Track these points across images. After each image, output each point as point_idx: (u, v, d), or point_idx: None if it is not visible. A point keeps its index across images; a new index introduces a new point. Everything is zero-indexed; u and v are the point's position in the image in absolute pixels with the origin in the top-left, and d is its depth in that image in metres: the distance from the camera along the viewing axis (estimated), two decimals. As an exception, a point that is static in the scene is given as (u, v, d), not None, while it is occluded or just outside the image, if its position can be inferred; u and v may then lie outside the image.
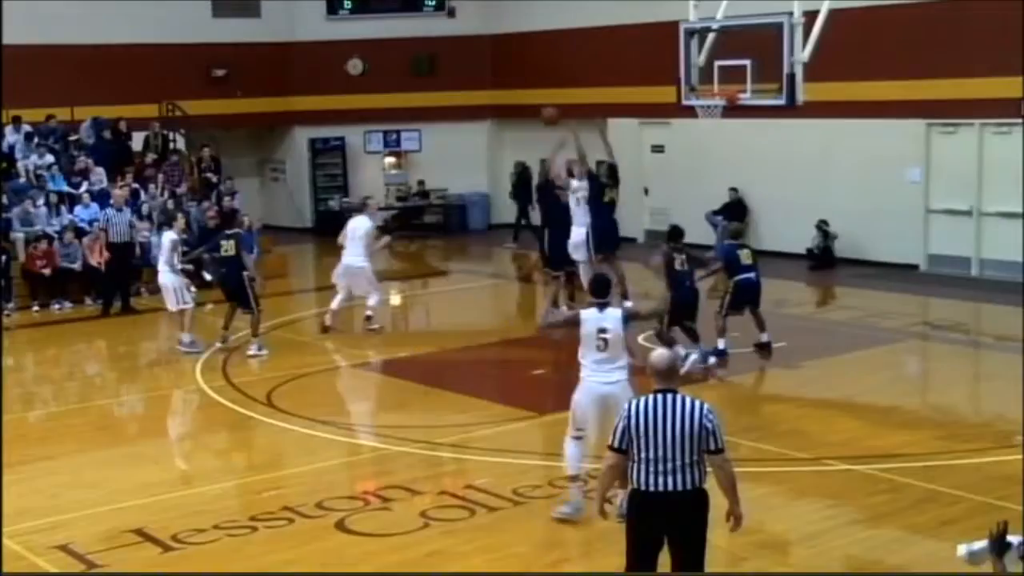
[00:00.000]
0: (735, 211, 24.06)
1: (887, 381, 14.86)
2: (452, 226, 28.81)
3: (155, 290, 21.23)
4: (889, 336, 16.60)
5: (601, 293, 9.76)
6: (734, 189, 23.98)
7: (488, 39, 28.87)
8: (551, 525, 9.81)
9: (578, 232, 17.17)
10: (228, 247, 16.12)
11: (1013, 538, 6.08)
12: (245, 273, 16.07)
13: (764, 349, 15.41)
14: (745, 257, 15.47)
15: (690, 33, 16.07)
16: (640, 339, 15.48)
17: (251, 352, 16.03)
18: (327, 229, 27.78)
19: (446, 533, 9.66)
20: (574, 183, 17.29)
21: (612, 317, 9.53)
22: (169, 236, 16.62)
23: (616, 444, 7.04)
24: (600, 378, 9.51)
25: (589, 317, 9.59)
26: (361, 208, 18.12)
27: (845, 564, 8.97)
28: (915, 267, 21.49)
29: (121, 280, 19.68)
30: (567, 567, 8.98)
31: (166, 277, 16.51)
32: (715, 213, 24.08)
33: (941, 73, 20.49)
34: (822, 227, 22.39)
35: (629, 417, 6.98)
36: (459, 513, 10.04)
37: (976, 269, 20.71)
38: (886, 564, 8.94)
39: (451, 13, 28.96)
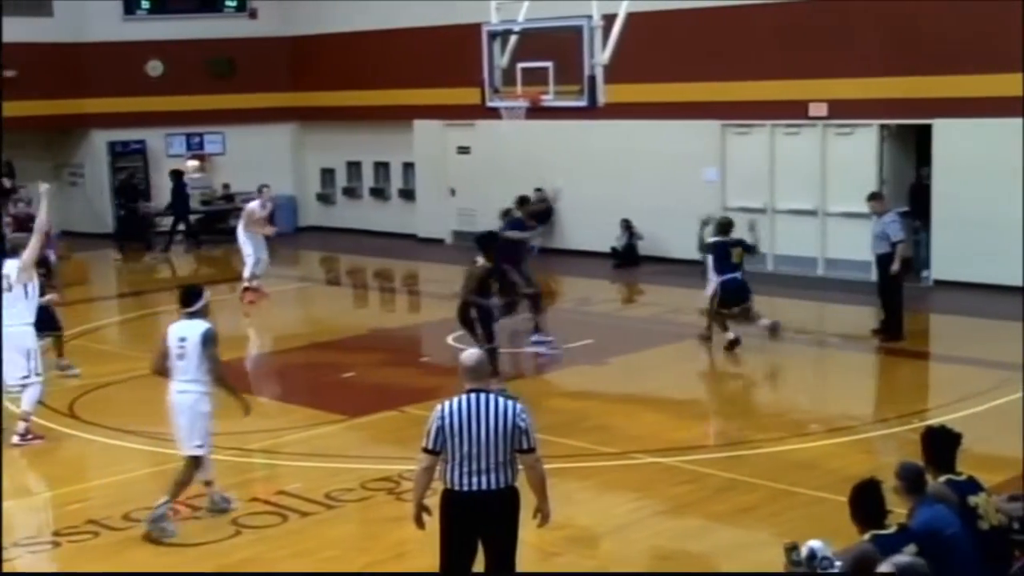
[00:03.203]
0: (541, 211, 24.44)
1: (689, 375, 15.32)
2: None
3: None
4: (691, 331, 17.07)
5: (187, 303, 9.90)
6: (539, 189, 24.31)
7: (289, 40, 28.61)
8: (364, 528, 9.85)
9: None
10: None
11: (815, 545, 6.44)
12: (49, 297, 14.30)
13: (774, 331, 15.71)
14: (736, 256, 15.64)
15: (492, 35, 16.25)
16: (449, 339, 15.65)
17: (68, 372, 15.06)
18: (129, 234, 27.23)
19: (258, 540, 9.59)
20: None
21: (193, 328, 9.74)
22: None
23: (429, 445, 7.09)
24: (175, 386, 9.81)
25: (171, 327, 9.91)
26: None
27: (650, 554, 9.24)
28: (713, 263, 22.12)
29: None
30: (381, 569, 9.00)
31: None
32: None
33: (734, 76, 21.21)
34: (627, 226, 22.90)
35: (442, 418, 7.04)
36: (271, 519, 9.97)
37: (771, 264, 21.46)
38: (689, 552, 9.24)
39: (253, 14, 28.60)
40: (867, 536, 6.47)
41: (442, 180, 26.16)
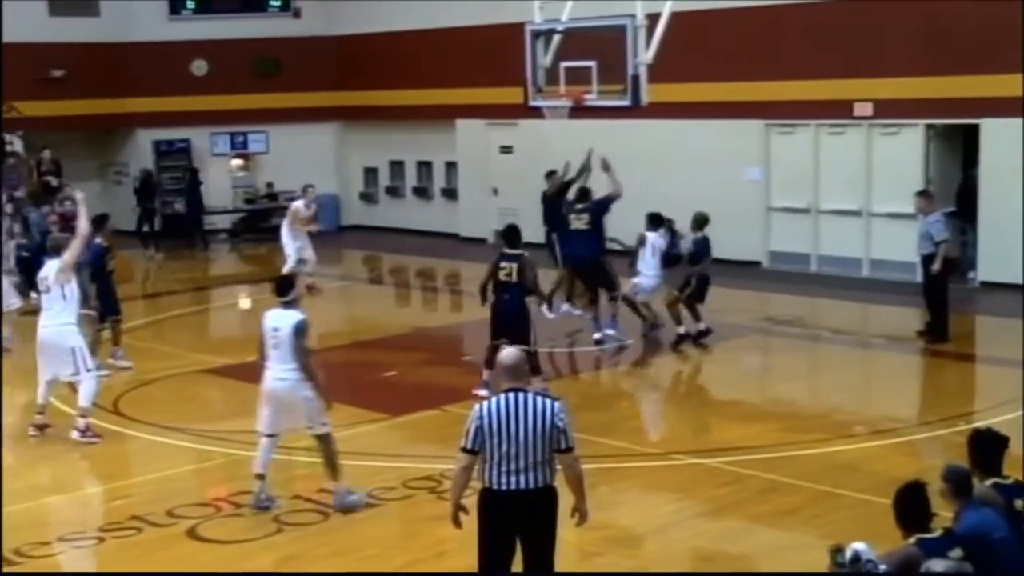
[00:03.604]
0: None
1: (731, 375, 15.24)
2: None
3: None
4: (733, 331, 16.97)
5: (282, 292, 10.07)
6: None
7: (332, 40, 28.72)
8: (405, 527, 9.86)
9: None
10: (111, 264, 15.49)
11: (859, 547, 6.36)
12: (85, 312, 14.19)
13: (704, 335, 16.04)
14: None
15: (536, 34, 16.22)
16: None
17: (118, 364, 15.38)
18: (173, 232, 27.39)
19: (299, 538, 9.62)
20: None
21: (286, 318, 9.91)
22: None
23: (468, 445, 7.07)
24: (271, 373, 9.98)
25: (267, 315, 10.11)
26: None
27: (691, 555, 9.20)
28: (757, 264, 22.03)
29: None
30: (421, 568, 9.01)
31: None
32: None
33: (778, 75, 21.07)
34: (670, 226, 22.74)
35: (481, 417, 7.03)
36: (312, 517, 10.00)
37: (815, 265, 21.33)
38: (731, 553, 9.19)
39: (297, 14, 28.74)
40: (912, 540, 6.40)
41: (485, 179, 26.17)
